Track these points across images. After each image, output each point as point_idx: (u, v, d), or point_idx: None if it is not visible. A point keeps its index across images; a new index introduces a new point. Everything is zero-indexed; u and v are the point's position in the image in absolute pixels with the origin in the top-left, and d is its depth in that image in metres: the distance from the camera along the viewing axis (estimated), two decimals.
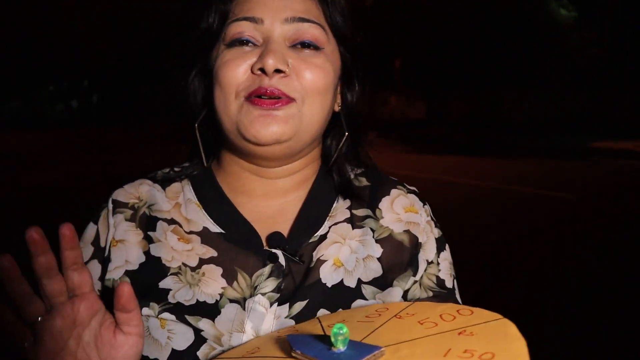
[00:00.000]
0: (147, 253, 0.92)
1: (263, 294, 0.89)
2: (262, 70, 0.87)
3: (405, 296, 0.96)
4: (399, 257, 0.97)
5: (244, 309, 0.87)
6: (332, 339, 0.68)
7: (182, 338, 0.85)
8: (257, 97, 0.87)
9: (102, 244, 0.95)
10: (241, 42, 0.90)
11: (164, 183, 1.01)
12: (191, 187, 1.00)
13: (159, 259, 0.92)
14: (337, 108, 1.00)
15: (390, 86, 20.76)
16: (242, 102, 0.88)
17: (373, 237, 0.97)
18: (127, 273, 0.91)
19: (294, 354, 0.70)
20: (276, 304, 0.88)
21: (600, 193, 8.62)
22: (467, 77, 20.37)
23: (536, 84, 19.11)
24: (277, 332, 0.84)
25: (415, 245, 0.99)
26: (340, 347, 0.68)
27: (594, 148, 13.28)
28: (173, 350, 0.85)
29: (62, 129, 26.16)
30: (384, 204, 1.01)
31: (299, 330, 0.81)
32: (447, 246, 1.03)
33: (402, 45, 18.66)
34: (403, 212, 1.00)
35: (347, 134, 1.01)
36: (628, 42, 18.41)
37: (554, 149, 13.86)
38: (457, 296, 1.01)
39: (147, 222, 0.95)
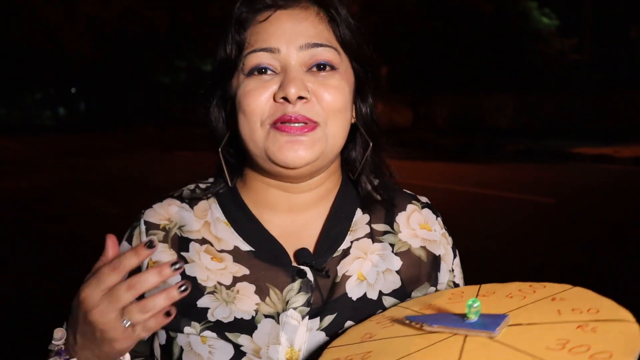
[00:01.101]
0: (182, 274, 0.96)
1: (295, 308, 0.94)
2: (285, 98, 0.91)
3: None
4: (417, 271, 1.04)
5: (278, 322, 0.94)
6: (467, 311, 0.74)
7: (223, 352, 0.92)
8: (283, 123, 0.92)
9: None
10: (260, 70, 0.94)
11: (192, 202, 1.05)
12: (218, 206, 1.04)
13: (194, 278, 0.97)
14: (352, 120, 1.03)
15: (378, 93, 20.75)
16: (268, 129, 0.92)
17: (392, 251, 1.04)
18: None
19: (428, 328, 0.75)
20: (307, 317, 0.94)
21: (580, 197, 8.73)
22: (452, 83, 20.52)
23: (519, 89, 19.28)
24: (375, 318, 0.89)
25: (433, 260, 1.06)
26: (474, 318, 0.73)
27: (575, 153, 13.41)
28: None
29: (49, 135, 26.08)
30: (401, 219, 1.08)
31: (387, 317, 0.89)
32: (457, 251, 1.13)
33: (389, 52, 18.78)
34: (419, 228, 1.08)
35: (371, 144, 1.05)
36: (608, 49, 18.67)
37: (536, 154, 13.98)
38: None
39: (180, 243, 1.00)
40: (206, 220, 1.02)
